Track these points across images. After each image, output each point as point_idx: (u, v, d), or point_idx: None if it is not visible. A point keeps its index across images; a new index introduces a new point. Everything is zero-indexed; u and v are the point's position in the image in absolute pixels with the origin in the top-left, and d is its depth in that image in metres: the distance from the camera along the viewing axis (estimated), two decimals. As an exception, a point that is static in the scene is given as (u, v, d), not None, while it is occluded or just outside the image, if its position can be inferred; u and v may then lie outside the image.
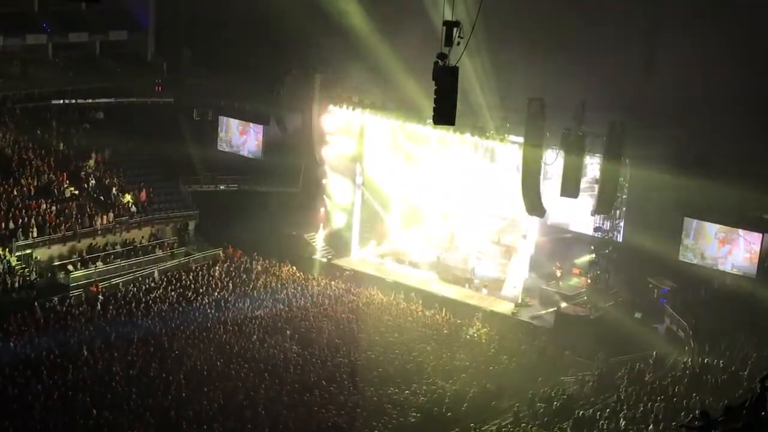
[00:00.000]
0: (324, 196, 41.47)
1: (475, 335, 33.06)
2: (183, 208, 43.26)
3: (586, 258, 35.72)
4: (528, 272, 36.87)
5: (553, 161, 33.77)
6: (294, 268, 38.83)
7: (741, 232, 33.21)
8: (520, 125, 33.80)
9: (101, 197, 40.41)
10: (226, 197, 44.16)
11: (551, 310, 35.01)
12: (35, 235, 36.43)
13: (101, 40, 48.84)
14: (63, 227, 37.61)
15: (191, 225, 42.94)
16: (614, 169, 33.00)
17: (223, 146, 46.08)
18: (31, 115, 43.01)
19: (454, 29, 17.01)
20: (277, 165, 43.45)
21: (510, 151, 35.95)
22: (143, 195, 41.82)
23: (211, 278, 36.46)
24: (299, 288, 36.23)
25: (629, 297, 34.81)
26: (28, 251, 35.83)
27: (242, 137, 45.69)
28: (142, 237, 40.57)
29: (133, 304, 32.74)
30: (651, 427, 21.55)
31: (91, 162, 41.96)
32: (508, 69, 32.71)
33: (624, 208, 34.44)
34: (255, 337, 30.47)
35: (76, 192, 39.92)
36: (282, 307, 33.76)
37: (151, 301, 33.08)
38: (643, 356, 29.32)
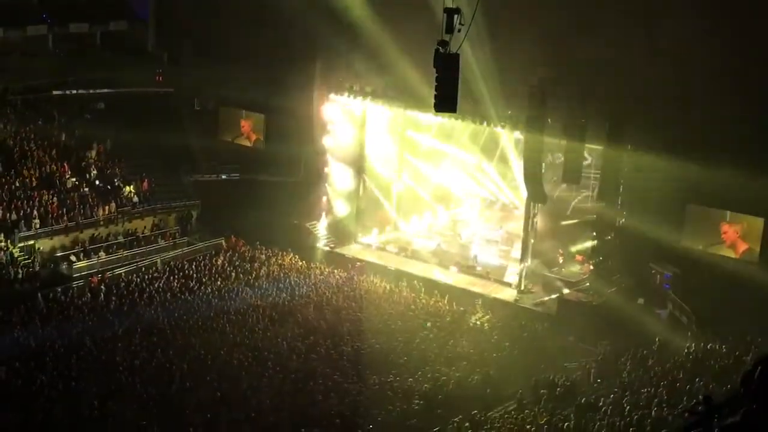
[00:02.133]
0: (325, 185, 41.38)
1: (478, 322, 33.11)
2: (185, 197, 43.22)
3: (589, 244, 35.70)
4: (530, 259, 36.84)
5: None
6: (296, 257, 38.82)
7: (743, 217, 33.18)
8: (521, 112, 33.71)
9: (103, 188, 40.43)
10: (228, 187, 44.12)
11: (554, 296, 34.95)
12: (38, 226, 36.46)
13: (102, 31, 48.87)
14: (65, 218, 37.65)
15: (194, 215, 42.98)
16: (616, 156, 32.92)
17: (224, 136, 46.01)
18: (32, 106, 42.92)
19: (455, 16, 16.98)
20: (278, 154, 43.31)
21: (512, 138, 35.88)
22: (145, 185, 41.82)
23: (213, 268, 36.53)
24: (302, 277, 36.22)
25: (632, 283, 34.75)
26: (31, 242, 35.89)
27: (243, 126, 45.61)
28: (145, 227, 40.60)
29: (136, 294, 32.81)
30: (654, 412, 21.54)
31: (93, 152, 41.91)
32: (509, 56, 32.55)
33: (626, 195, 34.39)
34: (258, 326, 30.53)
35: (78, 182, 39.95)
36: (284, 295, 33.78)
37: (154, 291, 33.11)
38: (645, 342, 29.31)
